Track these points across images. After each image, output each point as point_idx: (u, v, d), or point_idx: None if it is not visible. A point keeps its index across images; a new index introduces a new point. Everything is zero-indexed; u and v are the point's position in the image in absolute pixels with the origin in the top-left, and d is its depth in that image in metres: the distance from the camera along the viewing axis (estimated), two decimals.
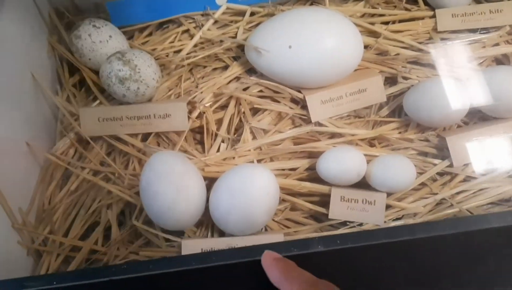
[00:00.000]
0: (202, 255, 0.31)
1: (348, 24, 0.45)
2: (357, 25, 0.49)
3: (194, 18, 0.51)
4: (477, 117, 0.47)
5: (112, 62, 0.45)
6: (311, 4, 0.52)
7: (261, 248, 0.28)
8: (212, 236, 0.43)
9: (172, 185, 0.39)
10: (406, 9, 0.51)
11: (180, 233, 0.44)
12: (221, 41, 0.49)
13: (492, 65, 0.49)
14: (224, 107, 0.49)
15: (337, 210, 0.42)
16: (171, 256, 0.37)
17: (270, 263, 0.27)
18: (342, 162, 0.42)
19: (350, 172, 0.42)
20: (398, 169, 0.42)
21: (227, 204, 0.39)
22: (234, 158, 0.46)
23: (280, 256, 0.28)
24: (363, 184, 0.43)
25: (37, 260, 0.43)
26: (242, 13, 0.51)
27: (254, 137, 0.47)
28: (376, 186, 0.42)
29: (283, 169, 0.46)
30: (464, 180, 0.44)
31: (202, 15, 0.51)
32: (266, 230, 0.44)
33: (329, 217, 0.43)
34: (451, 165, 0.44)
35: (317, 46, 0.44)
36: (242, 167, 0.41)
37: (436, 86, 0.44)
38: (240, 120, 0.48)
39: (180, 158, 0.42)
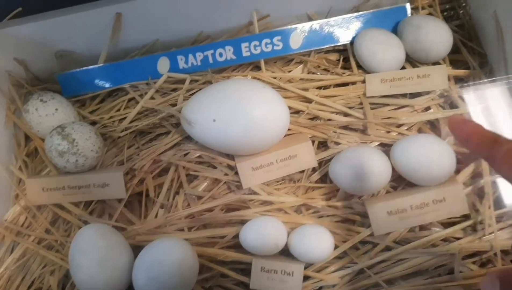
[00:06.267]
0: None
1: (271, 94, 0.46)
2: (290, 91, 0.51)
3: (138, 87, 0.54)
4: (405, 183, 0.47)
5: (53, 136, 0.48)
6: (251, 70, 0.54)
7: None
8: None
9: (93, 259, 0.42)
10: (338, 74, 0.52)
11: None
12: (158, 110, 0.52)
13: (424, 129, 0.49)
14: (167, 171, 0.51)
15: (258, 280, 0.43)
16: None
17: (457, 123, 0.28)
18: (260, 233, 0.43)
19: (268, 243, 0.43)
20: (314, 240, 0.42)
21: (146, 277, 0.41)
22: (166, 226, 0.47)
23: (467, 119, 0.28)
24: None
25: None
26: (182, 81, 0.53)
27: (188, 204, 0.49)
28: (296, 256, 0.43)
29: (214, 237, 0.47)
30: (386, 249, 0.44)
31: (147, 84, 0.54)
32: None
33: (250, 287, 0.44)
34: (373, 234, 0.44)
35: (241, 118, 0.45)
36: (160, 240, 0.43)
37: (356, 155, 0.44)
38: (181, 185, 0.50)
39: (104, 231, 0.44)
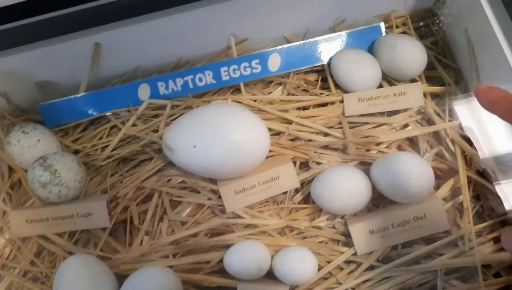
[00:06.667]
0: None
1: (251, 117, 0.47)
2: (270, 113, 0.52)
3: (119, 115, 0.54)
4: (386, 200, 0.47)
5: (35, 168, 0.48)
6: (232, 93, 0.55)
7: None
8: None
9: None
10: (317, 95, 0.52)
11: None
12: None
13: (403, 146, 0.49)
14: (151, 197, 0.51)
15: None
16: None
17: (483, 90, 0.28)
18: (243, 257, 0.43)
19: (252, 267, 0.43)
20: (298, 262, 0.43)
21: None
22: (151, 253, 0.47)
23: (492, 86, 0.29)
24: None
25: None
26: (163, 107, 0.54)
27: (173, 230, 0.49)
28: (281, 279, 0.44)
29: (199, 263, 0.47)
30: (370, 268, 0.44)
31: (128, 111, 0.54)
32: None
33: None
34: (356, 253, 0.44)
35: (221, 143, 0.45)
36: (144, 269, 0.43)
37: (335, 175, 0.45)
38: (165, 211, 0.50)
39: (88, 261, 0.44)
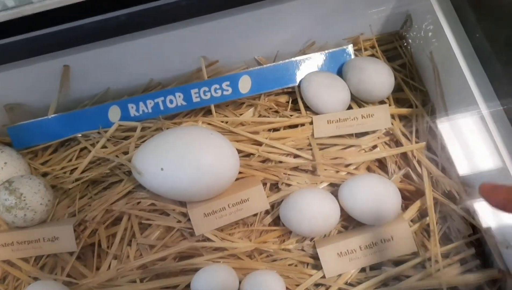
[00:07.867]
0: None
1: (219, 140, 0.47)
2: (241, 135, 0.52)
3: (89, 136, 0.54)
4: (355, 222, 0.47)
5: (0, 191, 0.47)
6: (203, 115, 0.55)
7: None
8: None
9: None
10: (287, 116, 0.53)
11: None
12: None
13: (372, 167, 0.50)
14: (121, 219, 0.50)
15: None
16: None
17: (490, 190, 0.27)
18: (210, 282, 0.43)
19: None
20: (265, 286, 0.42)
21: None
22: (118, 278, 0.47)
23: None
24: None
25: None
26: (134, 129, 0.53)
27: (141, 254, 0.48)
28: None
29: (167, 287, 0.46)
30: None
31: (98, 132, 0.54)
32: None
33: None
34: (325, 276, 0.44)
35: (189, 166, 0.45)
36: None
37: (302, 198, 0.45)
38: (135, 234, 0.50)
39: (52, 288, 0.43)
